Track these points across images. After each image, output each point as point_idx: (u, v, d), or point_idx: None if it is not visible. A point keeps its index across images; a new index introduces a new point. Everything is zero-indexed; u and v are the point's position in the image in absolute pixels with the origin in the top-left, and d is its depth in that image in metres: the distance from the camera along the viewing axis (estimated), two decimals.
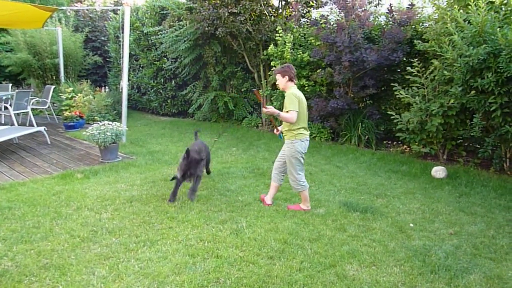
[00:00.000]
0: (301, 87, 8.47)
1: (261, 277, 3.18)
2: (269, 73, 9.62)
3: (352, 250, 3.68)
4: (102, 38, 15.25)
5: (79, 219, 4.20)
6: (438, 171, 6.13)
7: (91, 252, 3.52)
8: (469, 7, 5.95)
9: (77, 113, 9.54)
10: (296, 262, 3.44)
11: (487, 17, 5.64)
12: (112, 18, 13.74)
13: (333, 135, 8.69)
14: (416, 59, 6.77)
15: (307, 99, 8.70)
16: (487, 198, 5.23)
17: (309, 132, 4.62)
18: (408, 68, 6.81)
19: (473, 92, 5.96)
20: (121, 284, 3.03)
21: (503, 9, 6.01)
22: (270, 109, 4.39)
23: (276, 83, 4.62)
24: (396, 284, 3.18)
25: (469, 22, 6.04)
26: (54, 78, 13.31)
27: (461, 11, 6.28)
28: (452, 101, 6.23)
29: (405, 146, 7.64)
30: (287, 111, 4.35)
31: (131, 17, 10.83)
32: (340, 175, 6.14)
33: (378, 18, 8.57)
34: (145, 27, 11.78)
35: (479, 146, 6.62)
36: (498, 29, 5.49)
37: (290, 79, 4.47)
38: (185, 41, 10.11)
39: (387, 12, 8.12)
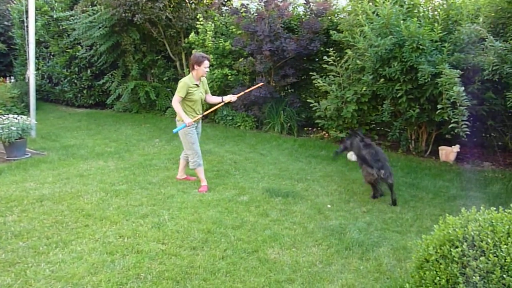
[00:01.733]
0: (224, 76, 8.47)
1: (183, 269, 3.15)
2: None
3: (274, 234, 3.79)
4: (5, 23, 13.77)
5: None
6: (353, 155, 6.52)
7: None
8: (377, 0, 6.36)
9: None
10: (220, 250, 3.46)
11: (392, 10, 6.06)
12: (16, 0, 12.46)
13: (257, 123, 8.82)
14: (332, 49, 7.09)
15: (230, 88, 8.81)
16: (395, 177, 5.62)
17: None
18: (325, 57, 7.11)
19: (382, 80, 6.40)
20: None
21: (406, 2, 6.50)
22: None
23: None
24: (314, 262, 3.34)
25: (377, 15, 6.44)
26: None
27: (371, 3, 6.68)
28: (364, 88, 6.65)
29: (324, 132, 8.01)
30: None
31: (37, 0, 9.93)
32: (263, 162, 6.27)
33: (296, 8, 8.81)
34: (54, 11, 10.85)
35: (389, 130, 7.17)
36: (402, 21, 5.94)
37: None
38: (100, 27, 9.50)
39: (304, 3, 8.38)
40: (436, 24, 5.78)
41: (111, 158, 6.19)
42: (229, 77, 8.44)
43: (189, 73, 4.96)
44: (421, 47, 5.73)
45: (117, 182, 5.08)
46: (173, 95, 4.94)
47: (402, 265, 3.35)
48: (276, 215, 4.25)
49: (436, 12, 6.50)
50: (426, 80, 5.63)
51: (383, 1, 6.19)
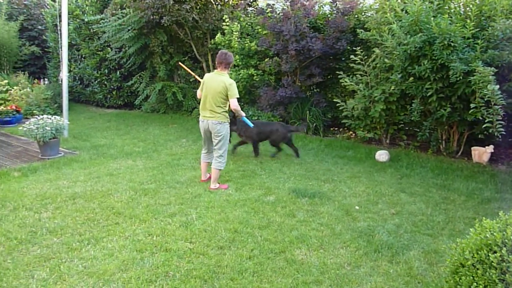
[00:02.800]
0: (249, 76, 8.49)
1: (211, 268, 3.17)
2: None
3: (301, 235, 3.77)
4: (39, 27, 14.28)
5: (16, 220, 3.94)
6: (382, 155, 6.41)
7: (30, 254, 3.33)
8: None
9: (13, 107, 8.92)
10: (247, 250, 3.47)
11: (422, 7, 5.91)
12: (50, 5, 12.89)
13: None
14: (359, 48, 6.99)
15: (256, 88, 8.80)
16: (425, 178, 5.55)
17: (203, 114, 4.97)
18: (352, 56, 7.01)
19: (411, 78, 6.26)
20: (63, 286, 2.89)
21: None
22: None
23: None
24: (342, 265, 3.30)
25: (406, 12, 6.31)
26: None
27: (399, 1, 6.54)
28: (392, 87, 6.51)
29: (351, 132, 7.90)
30: None
31: (70, 4, 10.24)
32: (289, 162, 6.24)
33: (322, 7, 8.72)
34: (85, 15, 11.17)
35: (418, 130, 7.00)
36: (432, 18, 5.79)
37: (215, 66, 4.98)
38: (129, 30, 9.71)
39: (331, 2, 8.30)
40: (468, 21, 5.60)
41: (140, 157, 6.32)
42: (255, 77, 8.45)
43: (208, 72, 4.97)
44: (452, 44, 5.58)
45: (146, 181, 5.18)
46: None
47: (434, 269, 3.26)
48: (303, 216, 4.22)
49: (468, 8, 6.29)
50: (458, 78, 5.47)
51: None
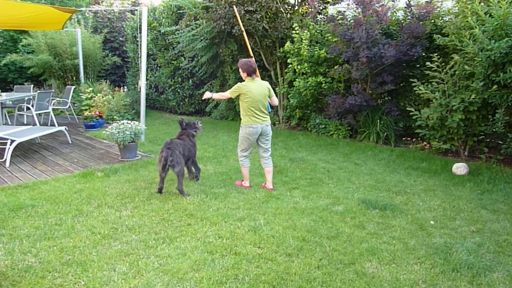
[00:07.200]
0: (318, 84, 8.43)
1: (279, 274, 3.18)
2: (285, 70, 9.61)
3: (372, 248, 3.64)
4: (120, 39, 15.47)
5: (99, 216, 4.28)
6: (459, 168, 6.01)
7: (112, 248, 3.59)
8: (490, 0, 5.80)
9: (97, 113, 9.71)
10: (315, 259, 3.43)
11: (509, 9, 5.48)
12: (130, 18, 13.91)
13: (351, 132, 8.60)
14: (436, 54, 6.64)
15: (324, 96, 8.71)
16: (510, 195, 5.09)
17: (260, 120, 5.07)
18: (428, 63, 6.68)
19: (495, 86, 5.81)
20: (142, 280, 3.07)
21: None
22: (206, 94, 5.31)
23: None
24: (417, 281, 3.13)
25: (490, 15, 5.88)
26: (74, 78, 13.57)
27: (482, 4, 6.12)
28: (473, 96, 6.09)
29: (424, 143, 7.50)
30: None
31: (148, 17, 10.94)
32: (358, 172, 6.08)
33: (396, 13, 8.44)
34: (162, 26, 11.89)
35: (501, 142, 6.46)
36: None
37: (248, 74, 5.03)
38: (201, 40, 10.16)
39: (405, 7, 8.00)
40: None
41: (210, 162, 6.55)
42: (323, 84, 8.38)
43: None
44: None
45: (216, 185, 5.35)
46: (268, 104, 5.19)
47: None
48: (374, 228, 4.08)
49: None
50: None
51: (498, 0, 5.64)
